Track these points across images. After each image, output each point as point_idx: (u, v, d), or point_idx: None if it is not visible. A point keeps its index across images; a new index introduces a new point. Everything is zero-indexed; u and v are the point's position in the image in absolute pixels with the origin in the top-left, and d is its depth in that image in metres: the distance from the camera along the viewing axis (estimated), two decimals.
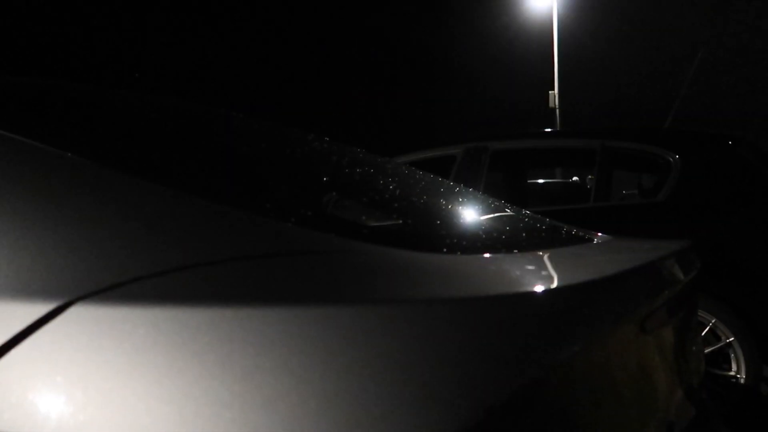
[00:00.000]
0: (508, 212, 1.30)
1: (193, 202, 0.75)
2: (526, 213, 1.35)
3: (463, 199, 1.30)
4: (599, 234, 1.36)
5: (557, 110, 17.37)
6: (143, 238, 0.68)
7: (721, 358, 3.21)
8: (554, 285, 0.66)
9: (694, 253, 1.06)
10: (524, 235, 1.08)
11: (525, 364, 0.57)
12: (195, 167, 0.98)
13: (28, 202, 0.69)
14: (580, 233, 1.31)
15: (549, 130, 4.56)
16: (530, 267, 0.78)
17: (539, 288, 0.64)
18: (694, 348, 1.02)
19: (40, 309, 0.61)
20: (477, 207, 1.29)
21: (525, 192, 5.14)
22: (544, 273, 0.74)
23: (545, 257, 0.86)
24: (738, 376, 3.13)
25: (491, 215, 1.23)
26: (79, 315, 0.61)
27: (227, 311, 0.59)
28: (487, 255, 0.85)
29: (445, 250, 0.84)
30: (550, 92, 17.51)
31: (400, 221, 0.94)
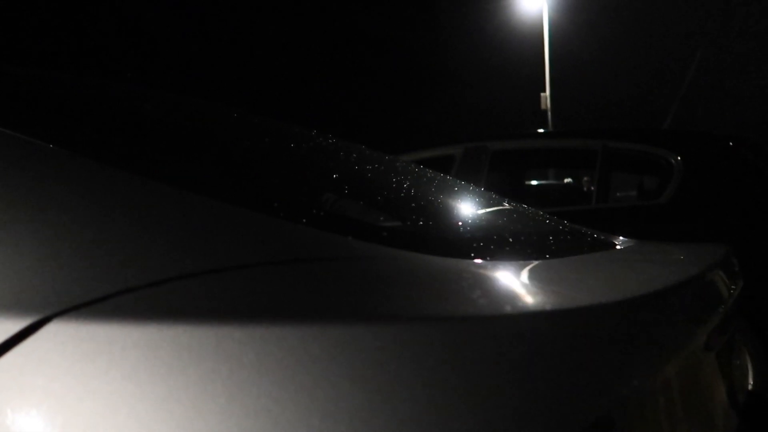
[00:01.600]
0: (527, 213, 1.21)
1: (192, 201, 0.66)
2: (543, 214, 1.26)
3: (478, 200, 1.22)
4: (620, 237, 1.28)
5: (549, 112, 17.38)
6: (135, 242, 0.58)
7: None
8: (612, 298, 0.57)
9: (734, 259, 0.98)
10: (551, 238, 0.99)
11: (592, 396, 0.48)
12: (193, 162, 0.88)
13: None
14: (602, 236, 1.23)
15: (550, 130, 4.51)
16: (576, 276, 0.69)
17: (597, 301, 0.55)
18: (738, 362, 0.93)
19: (10, 327, 0.51)
20: (494, 208, 1.20)
21: (527, 193, 5.07)
22: (594, 283, 0.65)
23: (586, 264, 0.77)
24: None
25: (510, 217, 1.14)
26: (56, 334, 0.51)
27: (236, 330, 0.50)
28: (520, 261, 0.77)
29: (472, 255, 0.75)
30: (541, 94, 17.51)
31: (421, 223, 0.85)
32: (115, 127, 0.92)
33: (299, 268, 0.59)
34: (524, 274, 0.69)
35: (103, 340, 0.50)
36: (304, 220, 0.70)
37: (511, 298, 0.58)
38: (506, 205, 1.22)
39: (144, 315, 0.52)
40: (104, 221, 0.59)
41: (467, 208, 1.08)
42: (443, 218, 0.95)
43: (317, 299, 0.54)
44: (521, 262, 0.77)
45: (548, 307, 0.54)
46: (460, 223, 0.94)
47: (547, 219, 1.21)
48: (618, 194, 6.72)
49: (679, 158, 3.44)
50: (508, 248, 0.84)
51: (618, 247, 1.09)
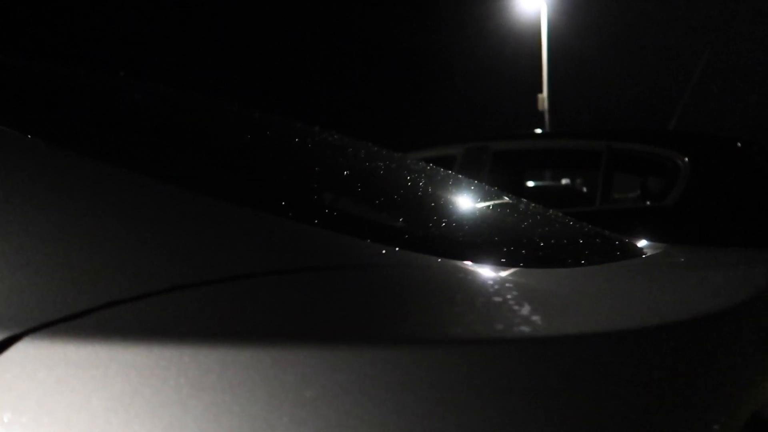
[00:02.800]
0: (549, 215, 1.13)
1: (190, 200, 0.57)
2: (564, 216, 1.18)
3: (497, 201, 1.13)
4: (644, 241, 1.20)
5: (546, 114, 17.35)
6: (122, 247, 0.49)
7: None
8: (679, 315, 0.49)
9: None
10: (581, 242, 0.91)
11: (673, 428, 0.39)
12: (190, 158, 0.79)
13: None
14: (628, 240, 1.15)
15: (553, 130, 4.45)
16: (627, 287, 0.61)
17: (668, 319, 0.47)
18: None
19: None
20: (513, 209, 1.11)
21: (527, 194, 5.00)
22: (649, 295, 0.57)
23: (631, 273, 0.69)
24: None
25: (533, 218, 1.06)
26: (27, 355, 0.43)
27: (244, 353, 0.41)
28: (557, 269, 0.68)
29: (503, 261, 0.67)
30: (539, 95, 17.47)
31: (443, 225, 0.77)
32: (101, 118, 0.83)
33: (316, 277, 0.51)
34: (567, 284, 0.61)
35: (84, 363, 0.42)
36: (317, 222, 0.61)
37: (563, 313, 0.49)
38: (526, 207, 1.13)
39: (133, 334, 0.43)
40: (86, 222, 0.50)
41: (488, 210, 1.00)
42: (467, 220, 0.87)
43: (340, 316, 0.46)
44: (558, 269, 0.69)
45: (609, 326, 0.45)
46: (485, 226, 0.86)
47: (570, 221, 1.13)
48: (615, 196, 6.66)
49: (686, 160, 3.38)
50: (540, 253, 0.76)
51: (651, 252, 1.01)
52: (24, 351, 0.43)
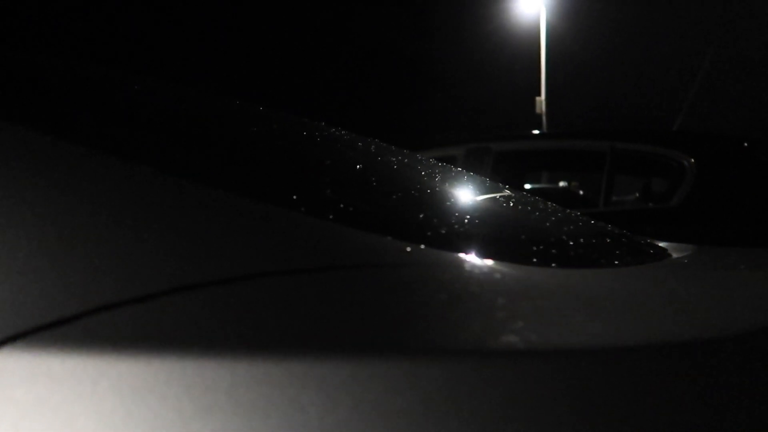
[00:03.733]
0: (568, 214, 1.07)
1: (192, 192, 0.51)
2: (582, 215, 1.12)
3: (514, 199, 1.07)
4: (668, 243, 1.15)
5: (544, 116, 17.35)
6: (115, 242, 0.43)
7: None
8: (752, 324, 0.43)
9: None
10: (608, 241, 0.85)
11: None
12: (190, 150, 0.73)
13: None
14: (648, 240, 1.10)
15: (556, 131, 4.41)
16: (678, 291, 0.55)
17: (738, 328, 0.41)
18: None
19: None
20: (532, 208, 1.06)
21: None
22: (716, 301, 0.51)
23: (675, 275, 0.63)
24: None
25: (555, 217, 1.01)
26: (4, 368, 0.37)
27: (257, 366, 0.35)
28: (592, 269, 0.62)
29: (534, 260, 0.61)
30: (537, 98, 17.48)
31: (467, 221, 0.71)
32: (95, 110, 0.77)
33: (335, 278, 0.45)
34: (615, 286, 0.55)
35: (69, 377, 0.36)
36: (333, 217, 0.55)
37: (619, 319, 0.43)
38: (545, 206, 1.08)
39: (127, 343, 0.37)
40: (74, 216, 0.44)
41: (510, 207, 0.94)
42: (491, 218, 0.81)
43: (365, 323, 0.40)
44: (595, 269, 0.63)
45: (673, 336, 0.39)
46: (511, 224, 0.80)
47: (591, 221, 1.07)
48: (614, 198, 6.61)
49: (692, 160, 3.34)
50: (572, 252, 0.70)
51: (682, 254, 0.95)
52: (1, 361, 0.37)
